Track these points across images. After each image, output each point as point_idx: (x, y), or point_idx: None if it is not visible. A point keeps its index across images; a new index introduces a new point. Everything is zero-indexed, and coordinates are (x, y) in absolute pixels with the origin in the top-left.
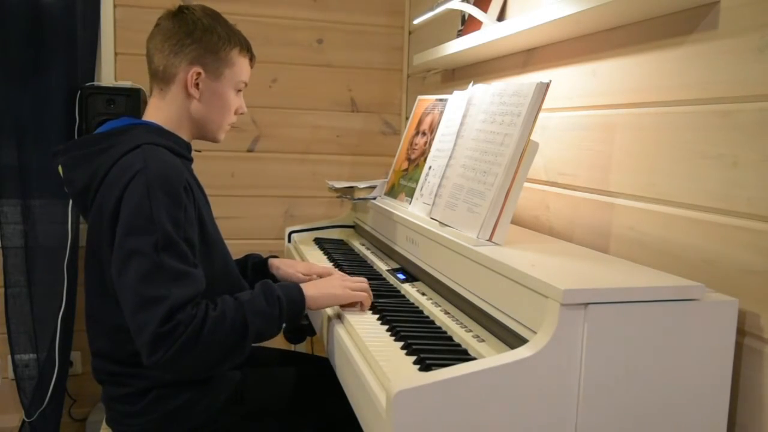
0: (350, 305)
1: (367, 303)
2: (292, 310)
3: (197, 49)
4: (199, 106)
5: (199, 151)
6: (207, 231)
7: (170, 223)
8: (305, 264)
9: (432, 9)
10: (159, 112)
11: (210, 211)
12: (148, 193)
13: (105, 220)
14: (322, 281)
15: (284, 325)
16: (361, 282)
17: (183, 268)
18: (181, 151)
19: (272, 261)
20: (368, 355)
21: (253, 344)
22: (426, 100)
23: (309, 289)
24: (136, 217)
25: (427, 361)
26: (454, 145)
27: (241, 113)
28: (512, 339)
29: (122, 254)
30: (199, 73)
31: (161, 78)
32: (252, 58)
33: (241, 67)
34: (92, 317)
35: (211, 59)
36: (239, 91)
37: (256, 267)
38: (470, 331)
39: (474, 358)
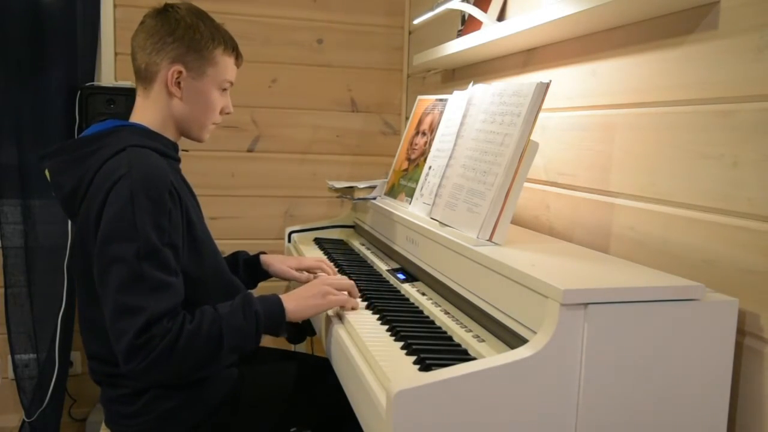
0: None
1: (352, 303)
2: (270, 324)
3: (179, 47)
4: (181, 105)
5: (186, 151)
6: (196, 232)
7: (154, 229)
8: (295, 259)
9: (432, 9)
10: (144, 112)
11: (199, 212)
12: (132, 198)
13: (91, 224)
14: (302, 291)
15: (262, 337)
16: (343, 280)
17: (163, 278)
18: (168, 151)
19: (263, 257)
20: (368, 355)
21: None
22: (426, 100)
23: (289, 302)
24: (118, 223)
25: (427, 361)
26: (454, 145)
27: (227, 113)
28: (512, 339)
29: (104, 261)
30: (180, 72)
31: (144, 77)
32: (238, 57)
33: (225, 66)
34: (85, 321)
35: (193, 57)
36: (224, 90)
37: (248, 264)
38: (470, 331)
39: (474, 358)
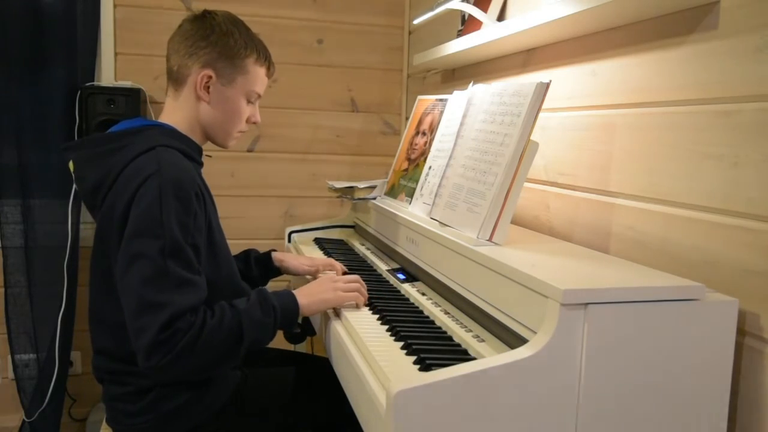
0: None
1: (361, 301)
2: (286, 318)
3: (211, 52)
4: (208, 109)
5: (210, 156)
6: (214, 237)
7: (179, 228)
8: (308, 258)
9: (432, 9)
10: (173, 113)
11: (217, 217)
12: (160, 197)
13: (115, 219)
14: (314, 286)
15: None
16: (353, 281)
17: (187, 275)
18: (193, 154)
19: (275, 255)
20: (368, 355)
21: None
22: (426, 100)
23: (302, 297)
24: (145, 220)
25: (427, 361)
26: (454, 145)
27: (254, 122)
28: (512, 339)
29: (128, 256)
30: (210, 77)
31: (175, 78)
32: (270, 68)
33: (255, 75)
34: (96, 315)
35: (224, 64)
36: (251, 101)
37: (260, 261)
38: (470, 331)
39: (474, 358)
